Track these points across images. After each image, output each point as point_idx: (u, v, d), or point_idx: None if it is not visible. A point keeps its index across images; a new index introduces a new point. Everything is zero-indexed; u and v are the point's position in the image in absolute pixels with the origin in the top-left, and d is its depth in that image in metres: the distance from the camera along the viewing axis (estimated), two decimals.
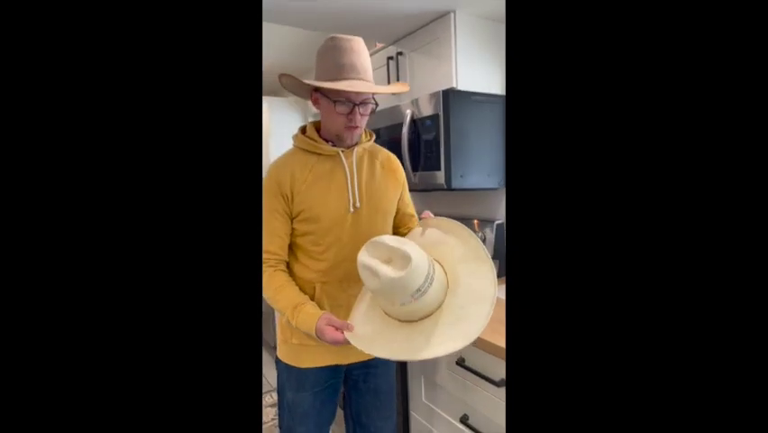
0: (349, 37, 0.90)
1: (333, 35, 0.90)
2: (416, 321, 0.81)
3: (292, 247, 0.97)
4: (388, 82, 1.60)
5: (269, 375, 2.26)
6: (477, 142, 1.38)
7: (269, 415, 1.95)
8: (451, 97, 1.30)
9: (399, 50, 1.55)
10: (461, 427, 1.07)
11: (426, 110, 1.36)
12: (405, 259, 0.76)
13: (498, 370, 0.96)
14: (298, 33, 1.65)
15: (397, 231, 1.08)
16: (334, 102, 0.88)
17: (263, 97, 2.48)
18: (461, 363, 1.04)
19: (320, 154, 0.95)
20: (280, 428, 1.10)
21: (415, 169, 1.41)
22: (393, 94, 1.49)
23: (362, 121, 0.92)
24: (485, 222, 1.56)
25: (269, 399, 2.08)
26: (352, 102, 0.88)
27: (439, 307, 0.81)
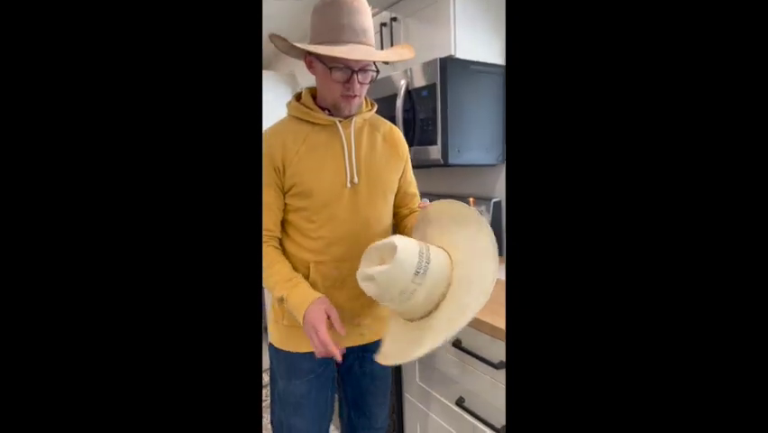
0: None
1: None
2: (435, 310, 0.78)
3: (284, 224, 0.90)
4: (382, 49, 1.51)
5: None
6: (475, 114, 1.31)
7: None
8: (449, 66, 1.22)
9: (393, 15, 1.46)
10: (457, 409, 1.04)
11: (420, 81, 1.28)
12: (391, 247, 0.74)
13: (497, 352, 0.92)
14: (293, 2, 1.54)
15: (398, 211, 1.01)
16: (330, 68, 0.79)
17: None
18: (457, 344, 1.00)
19: (315, 124, 0.86)
20: (271, 424, 1.02)
21: (408, 144, 1.34)
22: (388, 63, 1.41)
23: (362, 90, 0.84)
24: (481, 200, 1.50)
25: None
26: (350, 69, 0.79)
27: (449, 285, 0.78)
